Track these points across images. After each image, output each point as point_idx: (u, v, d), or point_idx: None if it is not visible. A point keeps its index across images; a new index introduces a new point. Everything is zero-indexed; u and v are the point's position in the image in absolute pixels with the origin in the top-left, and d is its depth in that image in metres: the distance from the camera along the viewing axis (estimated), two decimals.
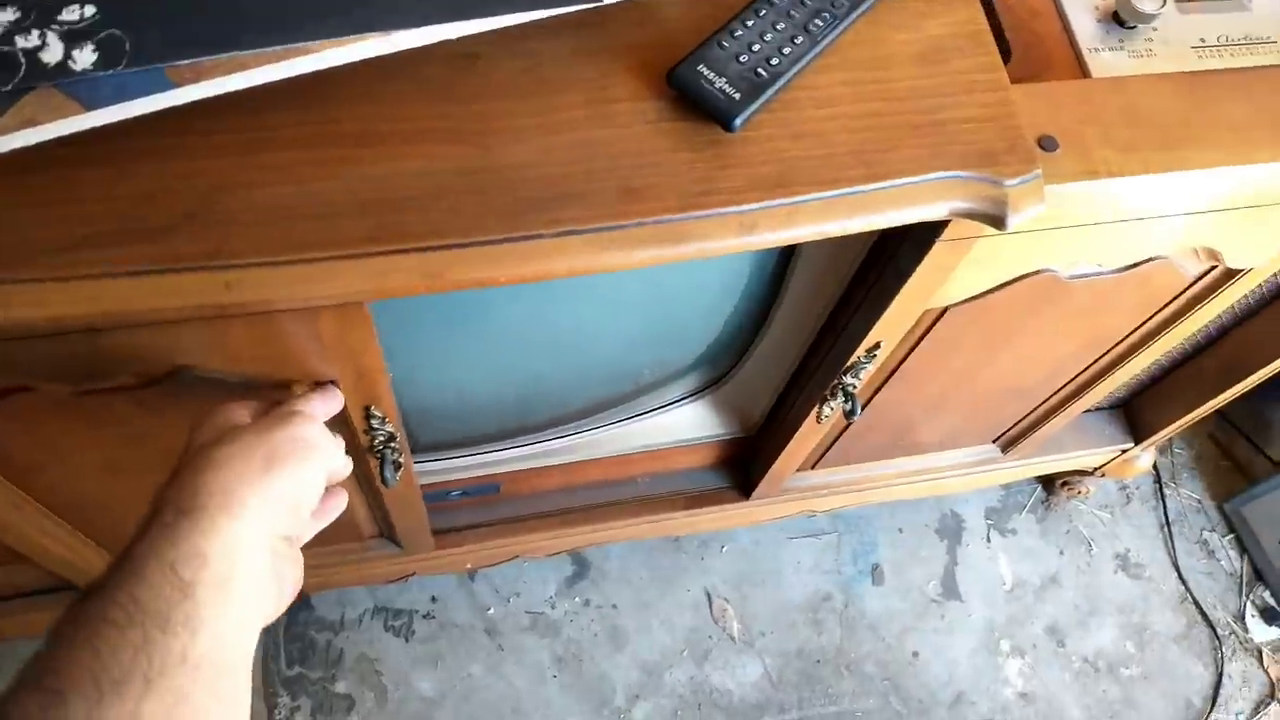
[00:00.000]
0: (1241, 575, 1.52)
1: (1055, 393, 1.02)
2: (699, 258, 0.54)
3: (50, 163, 0.49)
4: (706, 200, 0.54)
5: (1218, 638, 1.46)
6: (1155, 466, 1.56)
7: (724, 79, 0.53)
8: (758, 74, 0.54)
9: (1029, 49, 0.69)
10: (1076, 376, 0.98)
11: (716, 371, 1.01)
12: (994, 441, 1.19)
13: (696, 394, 1.03)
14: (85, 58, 0.48)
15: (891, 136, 0.57)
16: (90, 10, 0.49)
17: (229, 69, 0.49)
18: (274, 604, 0.48)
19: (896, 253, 0.69)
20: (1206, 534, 1.54)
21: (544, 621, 1.36)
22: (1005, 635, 1.43)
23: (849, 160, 0.56)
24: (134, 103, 0.49)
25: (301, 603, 1.32)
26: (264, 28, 0.50)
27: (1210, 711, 1.41)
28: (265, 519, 0.47)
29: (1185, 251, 0.76)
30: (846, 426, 1.01)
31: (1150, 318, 0.87)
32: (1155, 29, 0.69)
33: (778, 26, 0.55)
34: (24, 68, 0.47)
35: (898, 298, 0.70)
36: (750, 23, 0.55)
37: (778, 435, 1.03)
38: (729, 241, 0.54)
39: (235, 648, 0.43)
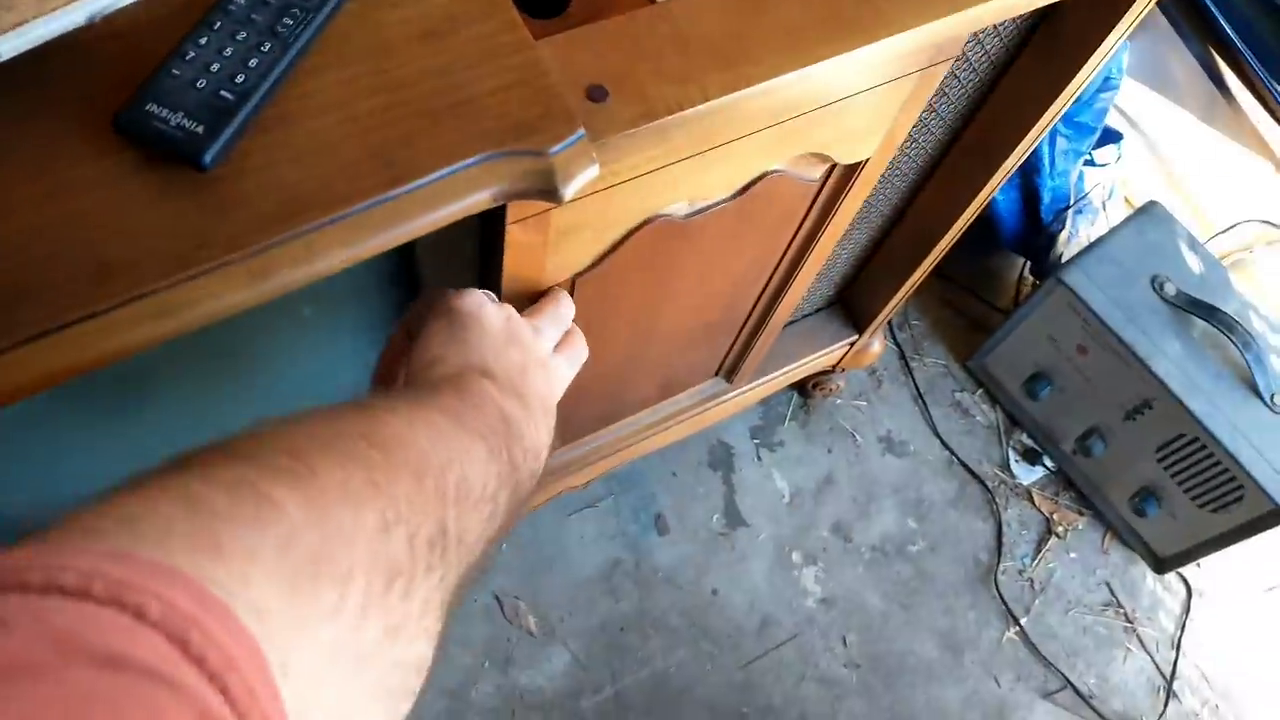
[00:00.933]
0: (998, 425, 1.58)
1: (746, 319, 1.00)
2: (212, 321, 0.46)
3: None
4: (201, 255, 0.46)
5: (989, 491, 1.52)
6: (898, 343, 1.60)
7: (180, 113, 0.45)
8: (221, 97, 0.46)
9: None
10: (758, 299, 0.96)
11: None
12: (716, 374, 1.17)
13: None
14: None
15: (412, 129, 0.50)
16: None
17: None
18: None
19: (490, 240, 0.63)
20: (958, 395, 1.60)
21: None
22: (795, 547, 1.44)
23: (367, 167, 0.49)
24: None
25: None
26: None
27: (999, 563, 1.47)
28: None
29: (795, 160, 0.73)
30: None
31: (798, 228, 0.85)
32: None
33: (238, 37, 0.47)
34: None
35: (504, 283, 0.64)
36: (204, 40, 0.47)
37: None
38: (242, 294, 0.46)
39: None
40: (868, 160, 0.75)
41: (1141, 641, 1.46)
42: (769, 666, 1.36)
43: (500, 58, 0.53)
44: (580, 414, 1.04)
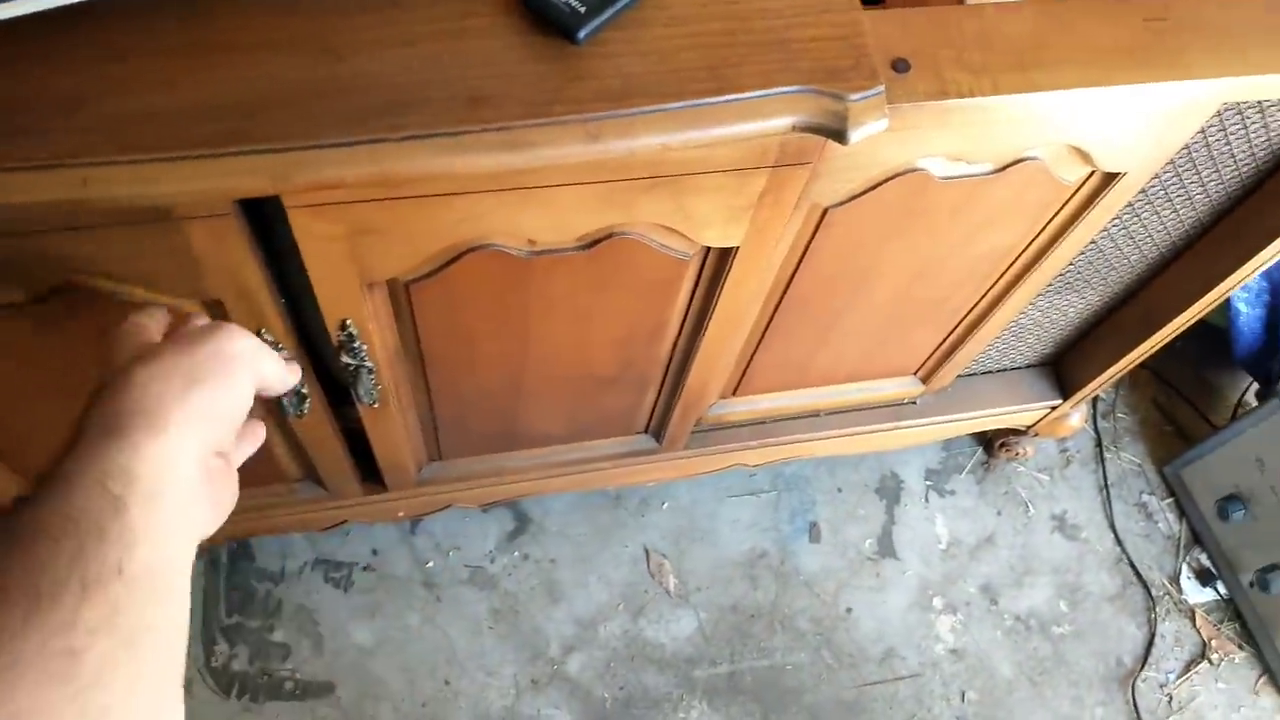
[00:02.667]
0: (1179, 538, 1.54)
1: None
2: (545, 165, 0.56)
3: None
4: (552, 109, 0.55)
5: (1152, 598, 1.48)
6: (1096, 430, 1.59)
7: None
8: None
9: None
10: (666, 367, 0.98)
11: None
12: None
13: None
14: None
15: (740, 53, 0.58)
16: None
17: None
18: (209, 519, 0.47)
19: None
20: (1145, 497, 1.56)
21: (482, 575, 1.38)
22: (939, 593, 1.45)
23: (697, 75, 0.58)
24: None
25: (242, 552, 1.34)
26: None
27: (1141, 670, 1.43)
28: (191, 436, 0.45)
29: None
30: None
31: (688, 305, 0.86)
32: None
33: None
34: None
35: (315, 286, 0.70)
36: None
37: None
38: (574, 148, 0.56)
39: (170, 562, 0.42)
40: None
41: None
42: (882, 695, 1.37)
43: (829, 12, 0.60)
44: (475, 430, 1.07)
